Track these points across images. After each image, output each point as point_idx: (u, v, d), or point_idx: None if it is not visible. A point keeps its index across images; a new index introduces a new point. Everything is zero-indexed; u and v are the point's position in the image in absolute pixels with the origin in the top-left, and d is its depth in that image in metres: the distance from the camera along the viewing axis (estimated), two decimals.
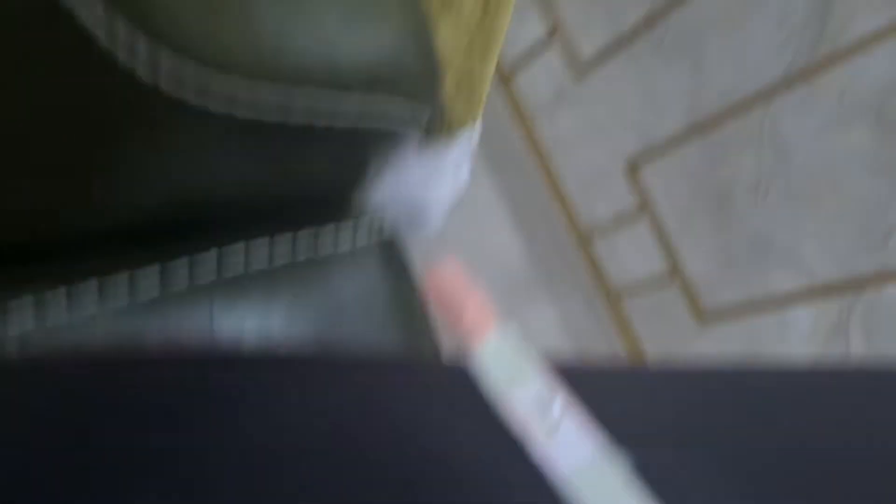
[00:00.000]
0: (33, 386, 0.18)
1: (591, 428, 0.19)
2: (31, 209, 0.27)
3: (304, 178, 0.32)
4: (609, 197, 1.04)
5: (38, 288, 0.25)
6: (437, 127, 0.33)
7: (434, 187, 0.35)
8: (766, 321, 0.93)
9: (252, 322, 0.33)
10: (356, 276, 0.38)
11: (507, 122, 1.11)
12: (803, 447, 0.19)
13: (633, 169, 1.00)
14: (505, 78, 1.09)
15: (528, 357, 0.21)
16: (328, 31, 0.25)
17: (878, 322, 0.82)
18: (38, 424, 0.16)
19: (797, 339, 0.90)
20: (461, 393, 0.19)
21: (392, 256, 0.41)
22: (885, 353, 0.81)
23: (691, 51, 0.89)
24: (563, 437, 0.19)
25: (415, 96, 0.29)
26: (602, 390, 0.21)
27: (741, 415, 0.20)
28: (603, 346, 1.09)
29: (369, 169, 0.33)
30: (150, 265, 0.28)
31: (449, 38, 0.33)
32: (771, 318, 0.92)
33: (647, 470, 0.16)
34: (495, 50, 0.35)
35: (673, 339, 1.04)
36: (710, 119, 0.90)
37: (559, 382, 0.20)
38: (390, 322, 0.40)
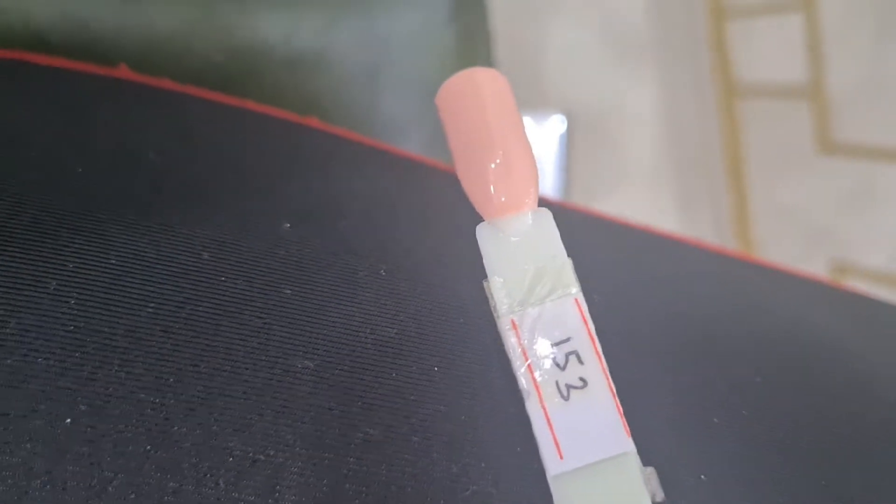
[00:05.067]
0: None
1: (615, 405, 0.12)
2: None
3: None
4: None
5: None
6: None
7: None
8: (893, 174, 0.81)
9: (279, 24, 0.29)
10: (416, 8, 0.34)
11: None
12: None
13: None
14: None
15: (563, 269, 0.13)
16: None
17: None
18: None
19: None
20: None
21: None
22: None
23: None
24: (577, 409, 0.12)
25: None
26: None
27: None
28: (701, 139, 0.98)
29: None
30: None
31: None
32: None
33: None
34: None
35: (782, 157, 0.93)
36: None
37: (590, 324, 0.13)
38: (448, 77, 0.36)
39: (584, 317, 0.13)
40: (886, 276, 0.89)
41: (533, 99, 0.93)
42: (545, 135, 0.92)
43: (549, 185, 0.93)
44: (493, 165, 0.14)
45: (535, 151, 0.14)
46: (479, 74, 0.15)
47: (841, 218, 0.97)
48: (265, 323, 0.14)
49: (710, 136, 0.98)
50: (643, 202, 0.99)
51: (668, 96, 0.98)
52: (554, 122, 0.92)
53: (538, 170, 0.14)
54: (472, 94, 0.14)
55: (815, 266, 0.97)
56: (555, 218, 0.14)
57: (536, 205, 0.14)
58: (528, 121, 0.91)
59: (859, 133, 0.85)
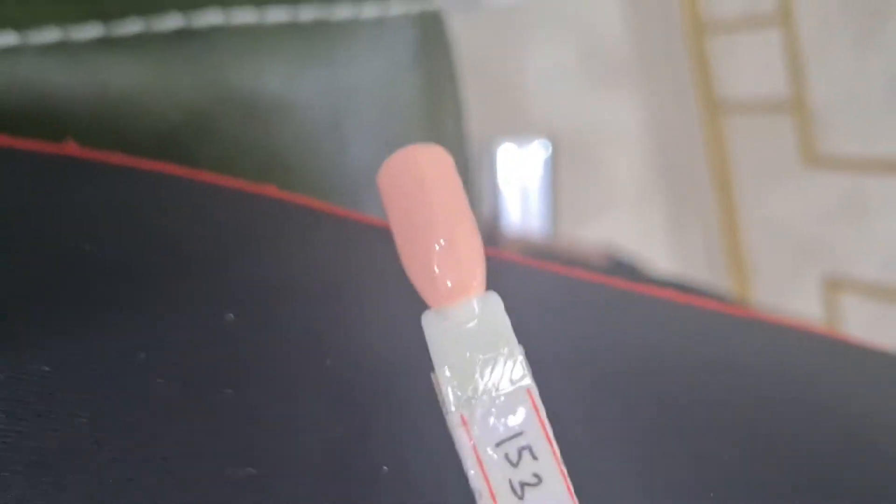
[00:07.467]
0: None
1: (572, 501, 0.12)
2: None
3: None
4: None
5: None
6: None
7: None
8: (881, 184, 0.81)
9: (240, 79, 0.28)
10: (380, 55, 0.32)
11: None
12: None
13: None
14: None
15: (514, 358, 0.13)
16: None
17: None
18: None
19: None
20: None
21: (432, 37, 0.35)
22: None
23: None
24: None
25: None
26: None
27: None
28: (686, 157, 0.98)
29: None
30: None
31: None
32: (889, 182, 0.79)
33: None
34: None
35: (768, 172, 0.93)
36: None
37: (543, 415, 0.12)
38: (415, 121, 0.35)
39: (536, 409, 0.12)
40: (880, 287, 0.89)
41: (515, 125, 0.93)
42: (530, 160, 0.92)
43: (535, 211, 0.92)
44: (437, 247, 0.13)
45: (478, 233, 0.14)
46: (420, 152, 0.14)
47: (831, 230, 0.96)
48: (203, 430, 0.13)
49: (696, 154, 0.98)
50: (632, 223, 0.98)
51: (652, 115, 0.98)
52: (538, 147, 0.92)
53: (483, 251, 0.14)
54: (413, 173, 0.14)
55: (808, 279, 0.96)
56: (506, 278, 0.14)
57: (484, 288, 0.13)
58: (512, 147, 0.91)
59: (844, 144, 0.85)
